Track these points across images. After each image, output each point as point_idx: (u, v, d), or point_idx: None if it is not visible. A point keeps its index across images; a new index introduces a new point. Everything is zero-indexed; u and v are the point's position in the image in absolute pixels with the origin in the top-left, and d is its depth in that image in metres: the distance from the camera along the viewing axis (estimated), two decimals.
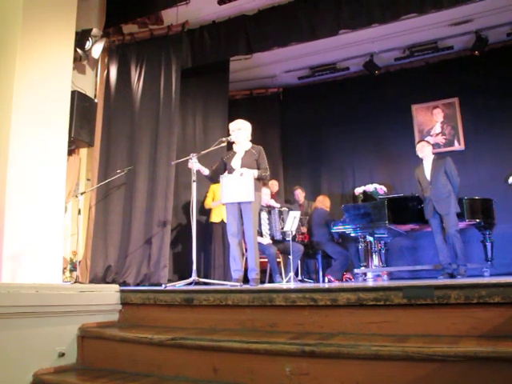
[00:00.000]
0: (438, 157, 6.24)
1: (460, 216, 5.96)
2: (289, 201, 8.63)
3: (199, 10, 6.65)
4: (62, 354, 3.03)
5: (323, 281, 6.99)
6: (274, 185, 8.21)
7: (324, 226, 7.05)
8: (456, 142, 8.11)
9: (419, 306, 2.55)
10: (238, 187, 4.63)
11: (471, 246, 6.15)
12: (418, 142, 6.49)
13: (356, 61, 8.42)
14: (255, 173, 4.71)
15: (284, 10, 6.53)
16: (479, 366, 2.01)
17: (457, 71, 8.09)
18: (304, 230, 7.34)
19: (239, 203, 4.71)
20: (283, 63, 8.47)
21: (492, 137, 7.73)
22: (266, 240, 6.35)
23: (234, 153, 4.94)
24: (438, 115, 8.32)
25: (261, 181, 4.91)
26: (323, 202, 7.34)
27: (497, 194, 6.82)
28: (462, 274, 5.64)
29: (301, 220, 6.94)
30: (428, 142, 6.53)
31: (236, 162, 4.85)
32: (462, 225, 6.09)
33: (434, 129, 8.32)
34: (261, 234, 6.28)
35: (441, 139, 8.15)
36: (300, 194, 7.99)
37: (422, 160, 6.26)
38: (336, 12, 6.22)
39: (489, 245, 6.36)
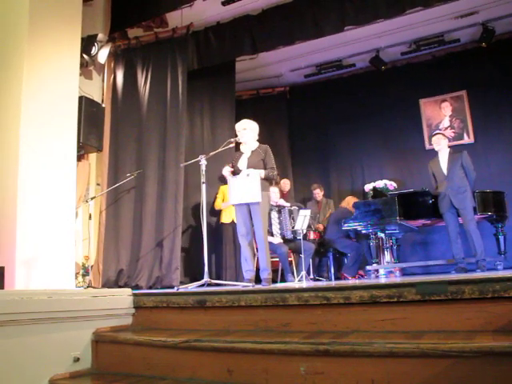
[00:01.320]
0: (454, 150, 6.19)
1: (473, 209, 5.91)
2: (305, 199, 8.65)
3: (203, 11, 6.66)
4: (76, 359, 3.04)
5: (336, 279, 6.98)
6: (286, 184, 8.23)
7: (337, 223, 7.03)
8: (465, 136, 8.05)
9: (433, 302, 2.52)
10: (245, 188, 4.62)
11: (484, 240, 6.07)
12: (434, 135, 6.42)
13: (362, 57, 8.38)
14: (262, 173, 4.69)
15: (288, 8, 6.52)
16: (495, 361, 1.99)
17: (464, 64, 8.04)
18: (321, 227, 7.35)
19: (248, 204, 4.70)
20: (289, 62, 8.46)
21: (501, 129, 7.67)
22: (276, 239, 6.35)
23: (241, 153, 4.93)
24: (447, 109, 8.26)
25: (269, 180, 4.90)
26: (348, 202, 7.33)
27: (508, 186, 6.76)
28: (482, 268, 5.59)
29: (315, 217, 6.94)
30: (444, 134, 6.48)
31: (242, 163, 4.84)
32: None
33: (442, 123, 8.27)
34: (271, 234, 6.28)
35: (450, 133, 8.09)
36: (318, 193, 8.00)
37: (435, 153, 6.21)
38: (340, 8, 6.20)
39: (502, 238, 6.31)
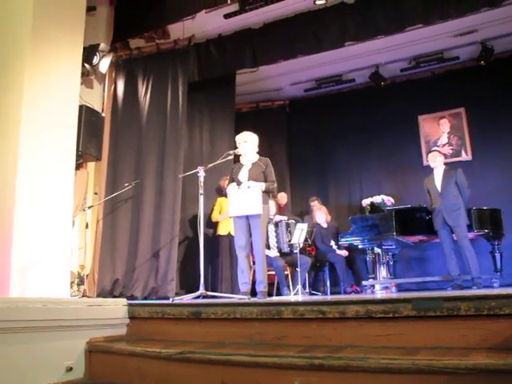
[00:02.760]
0: (450, 167, 6.23)
1: (469, 227, 5.93)
2: (302, 212, 8.66)
3: (205, 24, 6.71)
4: (69, 369, 3.02)
5: (331, 293, 6.96)
6: (283, 197, 8.23)
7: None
8: (463, 153, 8.08)
9: (428, 318, 2.52)
10: (246, 200, 4.62)
11: (480, 257, 6.10)
12: (430, 152, 6.48)
13: (362, 72, 8.43)
14: (263, 186, 4.69)
15: (289, 22, 6.58)
16: (490, 379, 1.98)
17: (463, 81, 8.08)
18: None
19: (247, 216, 4.70)
20: (289, 76, 8.50)
21: (499, 146, 7.70)
22: (273, 253, 6.34)
23: (241, 165, 4.93)
24: (445, 126, 8.30)
25: (269, 194, 4.91)
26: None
27: (505, 204, 6.78)
28: (478, 286, 5.59)
29: (312, 231, 6.94)
30: (440, 151, 6.53)
31: (243, 175, 4.83)
32: (470, 235, 6.05)
33: (440, 139, 8.30)
34: (268, 247, 6.27)
35: (448, 150, 8.12)
36: (317, 205, 8.00)
37: (431, 170, 6.25)
38: (341, 24, 6.26)
39: (498, 255, 6.32)
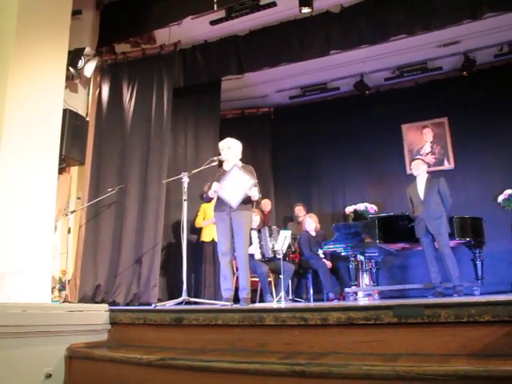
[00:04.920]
0: (432, 176, 6.28)
1: (450, 235, 5.98)
2: (286, 218, 8.69)
3: (191, 30, 6.72)
4: (48, 375, 2.98)
5: (315, 301, 6.97)
6: (267, 204, 8.25)
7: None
8: (446, 162, 8.17)
9: (409, 325, 2.54)
10: (236, 185, 4.66)
11: (461, 265, 6.17)
12: (413, 160, 6.53)
13: (346, 81, 8.50)
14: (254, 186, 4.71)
15: (275, 30, 6.61)
16: None
17: (446, 91, 8.19)
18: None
19: (231, 222, 4.70)
20: (274, 83, 8.54)
21: (481, 156, 7.80)
22: (257, 255, 6.36)
23: (225, 171, 4.93)
24: (428, 135, 8.39)
25: (252, 203, 4.92)
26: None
27: (486, 212, 6.86)
28: (459, 293, 5.63)
29: (296, 239, 6.96)
30: (423, 160, 6.58)
31: None
32: (452, 243, 6.11)
33: (423, 148, 8.39)
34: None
35: (430, 159, 8.21)
36: (300, 211, 8.02)
37: (414, 178, 6.30)
38: (326, 32, 6.31)
39: (479, 263, 6.38)
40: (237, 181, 4.70)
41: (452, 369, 2.05)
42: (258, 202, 7.07)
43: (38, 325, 2.98)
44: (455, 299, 4.23)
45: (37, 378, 2.92)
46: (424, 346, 2.49)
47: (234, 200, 4.65)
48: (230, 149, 4.94)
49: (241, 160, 5.01)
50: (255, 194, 4.75)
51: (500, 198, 7.29)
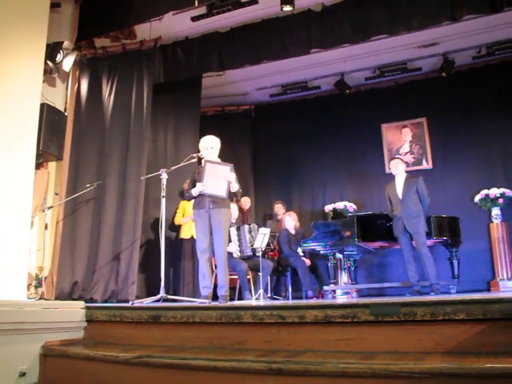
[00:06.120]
0: (411, 175, 6.34)
1: (428, 234, 6.04)
2: (265, 216, 8.70)
3: (172, 25, 6.67)
4: (22, 374, 2.94)
5: (293, 298, 6.99)
6: (247, 202, 8.26)
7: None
8: (424, 161, 8.25)
9: (386, 323, 2.56)
10: (219, 178, 4.70)
11: (438, 264, 6.24)
12: (392, 159, 6.57)
13: (327, 80, 8.53)
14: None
15: (256, 28, 6.59)
16: (444, 383, 2.02)
17: (425, 92, 8.27)
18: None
19: (209, 219, 4.69)
20: (255, 81, 8.53)
21: (459, 156, 7.91)
22: (235, 253, 6.36)
23: (202, 168, 4.90)
24: (407, 134, 8.47)
25: (232, 198, 4.93)
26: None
27: (463, 212, 6.95)
28: (436, 292, 5.70)
29: (275, 236, 6.98)
30: (402, 159, 6.63)
31: None
32: (429, 242, 6.17)
33: (402, 148, 8.46)
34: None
35: (409, 158, 8.29)
36: (280, 209, 8.03)
37: (393, 177, 6.35)
38: (308, 31, 6.32)
39: (455, 262, 6.46)
40: (215, 173, 4.72)
41: (427, 366, 2.07)
42: (238, 200, 7.08)
43: (12, 322, 2.94)
44: (431, 297, 4.27)
45: (10, 377, 2.87)
46: (400, 343, 2.52)
47: (221, 191, 4.69)
48: (214, 149, 4.93)
49: (219, 157, 4.99)
50: (235, 186, 4.75)
51: (477, 198, 7.41)
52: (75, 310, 3.45)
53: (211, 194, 4.70)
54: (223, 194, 4.69)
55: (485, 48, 7.53)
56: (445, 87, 8.08)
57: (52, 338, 3.18)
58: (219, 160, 4.95)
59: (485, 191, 7.31)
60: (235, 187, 4.79)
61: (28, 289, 5.48)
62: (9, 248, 4.66)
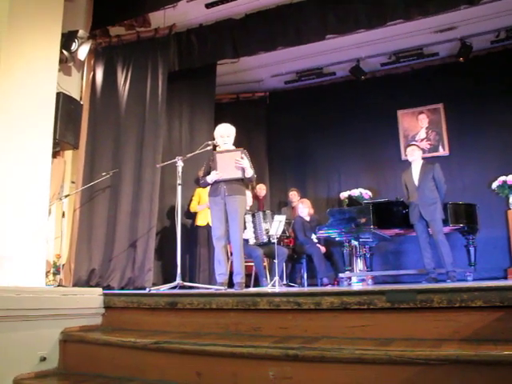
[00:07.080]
0: (427, 162, 6.29)
1: (444, 221, 6.01)
2: (280, 203, 8.71)
3: (186, 13, 6.65)
4: (43, 359, 2.99)
5: (309, 285, 7.01)
6: (262, 189, 8.26)
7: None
8: (441, 148, 8.18)
9: (402, 310, 2.56)
10: (228, 166, 4.69)
11: (455, 251, 6.21)
12: (408, 146, 6.52)
13: (342, 66, 8.46)
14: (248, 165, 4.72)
15: (271, 14, 6.54)
16: (461, 370, 2.02)
17: (442, 77, 8.17)
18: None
19: (225, 207, 4.70)
20: (270, 67, 8.49)
21: (476, 142, 7.81)
22: (251, 240, 6.38)
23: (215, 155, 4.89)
24: (423, 121, 8.39)
25: (247, 184, 4.92)
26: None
27: (480, 199, 6.90)
28: (452, 279, 5.68)
29: (290, 223, 6.98)
30: (418, 146, 6.58)
31: None
32: (446, 230, 6.13)
33: (418, 134, 8.39)
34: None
35: (426, 145, 8.21)
36: (294, 196, 8.03)
37: (409, 164, 6.30)
38: (323, 17, 6.25)
39: (472, 249, 6.43)
40: (227, 159, 4.70)
41: (444, 353, 2.07)
42: (253, 187, 7.08)
43: (33, 308, 2.98)
44: (448, 284, 4.25)
45: (31, 362, 2.93)
46: (417, 330, 2.52)
47: (237, 173, 4.67)
48: (230, 137, 4.92)
49: (234, 144, 4.99)
50: (249, 171, 4.73)
51: (494, 185, 7.33)
52: (93, 296, 3.49)
53: (227, 178, 4.69)
54: (239, 175, 4.67)
55: (504, 32, 7.40)
56: (462, 73, 7.98)
57: (71, 324, 3.23)
58: (234, 147, 4.94)
59: (502, 178, 7.23)
60: (249, 172, 4.76)
61: (46, 276, 5.56)
62: (28, 236, 4.73)
